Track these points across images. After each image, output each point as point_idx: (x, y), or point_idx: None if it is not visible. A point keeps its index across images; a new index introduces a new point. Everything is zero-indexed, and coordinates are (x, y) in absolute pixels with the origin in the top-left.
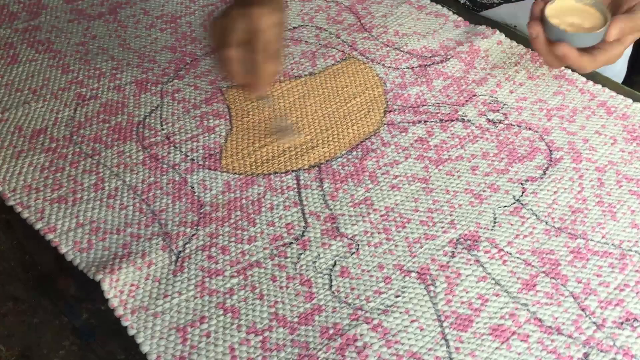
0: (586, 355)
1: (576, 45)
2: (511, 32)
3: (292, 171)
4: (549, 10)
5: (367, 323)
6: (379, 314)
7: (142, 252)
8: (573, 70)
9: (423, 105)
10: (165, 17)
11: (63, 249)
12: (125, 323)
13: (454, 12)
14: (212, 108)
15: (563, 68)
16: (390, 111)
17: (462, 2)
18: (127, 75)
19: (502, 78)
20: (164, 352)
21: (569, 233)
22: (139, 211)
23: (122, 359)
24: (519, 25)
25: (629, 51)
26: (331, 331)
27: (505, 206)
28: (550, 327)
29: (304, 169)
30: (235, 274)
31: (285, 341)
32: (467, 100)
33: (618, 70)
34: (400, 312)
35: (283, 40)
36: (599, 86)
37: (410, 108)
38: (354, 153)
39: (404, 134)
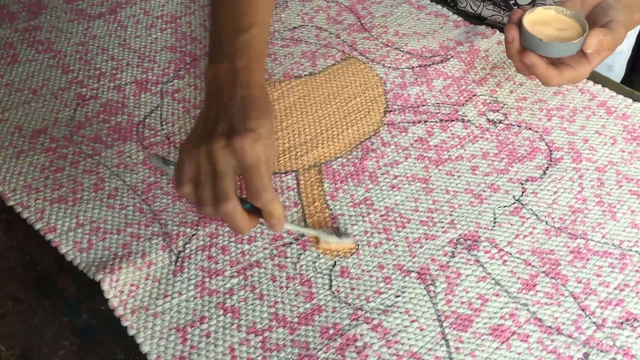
0: (586, 355)
1: (551, 55)
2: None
3: (292, 171)
4: (528, 18)
5: (367, 323)
6: (379, 314)
7: (142, 252)
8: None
9: (423, 105)
10: (165, 17)
11: (63, 249)
12: (125, 323)
13: (454, 12)
14: None
15: None
16: (390, 111)
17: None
18: (127, 75)
19: (502, 78)
20: (164, 352)
21: (569, 233)
22: (139, 211)
23: (122, 359)
24: None
25: (628, 52)
26: (331, 331)
27: (505, 206)
28: (550, 327)
29: (304, 169)
30: (235, 274)
31: (285, 341)
32: (467, 100)
33: (617, 72)
34: (400, 312)
35: (277, 154)
36: (599, 86)
37: (410, 108)
38: (354, 153)
39: (404, 134)
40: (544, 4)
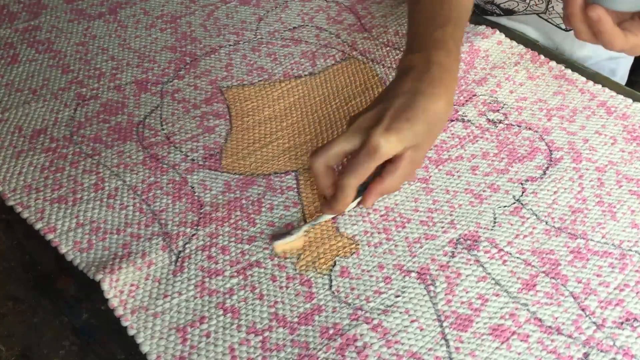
0: (586, 355)
1: (619, 8)
2: (511, 32)
3: (292, 171)
4: None
5: (367, 323)
6: (379, 314)
7: (142, 252)
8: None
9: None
10: (165, 17)
11: (63, 249)
12: (125, 323)
13: None
14: (212, 108)
15: (563, 68)
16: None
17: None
18: (127, 75)
19: (502, 78)
20: (164, 352)
21: (569, 233)
22: (139, 211)
23: (122, 359)
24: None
25: (632, 57)
26: (331, 331)
27: (505, 206)
28: (550, 327)
29: (304, 169)
30: (235, 274)
31: (285, 341)
32: (467, 100)
33: (620, 76)
34: (400, 312)
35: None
36: (599, 86)
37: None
38: None
39: None
40: None
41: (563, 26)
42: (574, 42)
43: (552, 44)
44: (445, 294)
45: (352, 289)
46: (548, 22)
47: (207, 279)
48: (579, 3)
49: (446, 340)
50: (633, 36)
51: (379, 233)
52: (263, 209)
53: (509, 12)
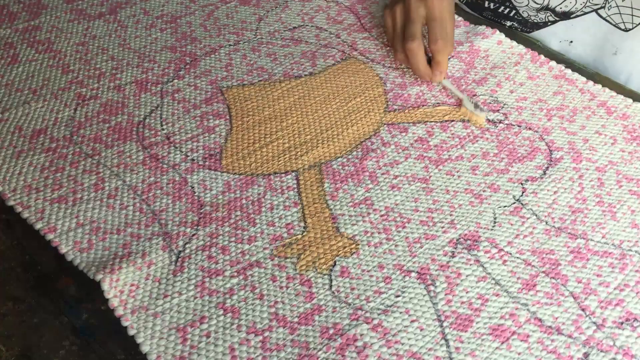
0: (586, 355)
1: None
2: (511, 32)
3: (292, 171)
4: None
5: (367, 323)
6: (379, 314)
7: (142, 252)
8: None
9: (423, 105)
10: (165, 17)
11: (63, 249)
12: (125, 323)
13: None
14: (212, 108)
15: (563, 68)
16: (390, 111)
17: (508, 25)
18: (127, 75)
19: (502, 78)
20: (164, 352)
21: (569, 233)
22: (139, 211)
23: (122, 359)
24: (575, 40)
25: None
26: (331, 331)
27: (505, 206)
28: (550, 327)
29: (304, 169)
30: (235, 274)
31: (285, 341)
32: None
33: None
34: (400, 312)
35: (454, 18)
36: (599, 86)
37: (411, 108)
38: (354, 153)
39: (404, 134)
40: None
41: (622, 25)
42: (634, 42)
43: (611, 47)
44: (445, 294)
45: (352, 289)
46: (606, 21)
47: (207, 279)
48: (397, 33)
49: (446, 340)
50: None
51: (379, 233)
52: (263, 209)
53: (565, 16)
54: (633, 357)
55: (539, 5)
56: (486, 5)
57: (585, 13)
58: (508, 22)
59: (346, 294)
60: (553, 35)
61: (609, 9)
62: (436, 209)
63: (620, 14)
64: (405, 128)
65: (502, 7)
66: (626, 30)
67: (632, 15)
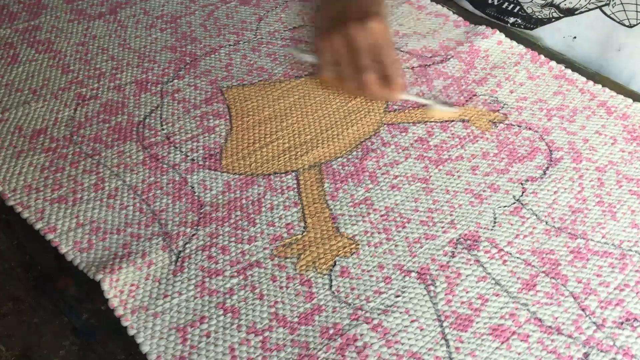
0: (586, 355)
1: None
2: (511, 32)
3: (292, 171)
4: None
5: (367, 323)
6: (379, 314)
7: (142, 252)
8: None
9: (423, 105)
10: (165, 17)
11: (63, 249)
12: (125, 323)
13: (454, 12)
14: (212, 108)
15: (563, 68)
16: (390, 111)
17: (511, 22)
18: (127, 75)
19: (502, 78)
20: (164, 352)
21: (569, 233)
22: (139, 211)
23: (122, 359)
24: (579, 36)
25: None
26: (331, 331)
27: (505, 206)
28: (550, 327)
29: (304, 169)
30: (235, 274)
31: (285, 341)
32: (467, 100)
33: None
34: (400, 312)
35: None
36: (599, 86)
37: (411, 108)
38: (354, 153)
39: (404, 134)
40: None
41: (627, 22)
42: (639, 38)
43: (615, 44)
44: (445, 294)
45: (352, 289)
46: (611, 18)
47: (207, 279)
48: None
49: (446, 340)
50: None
51: (379, 233)
52: (263, 209)
53: (569, 12)
54: (633, 357)
55: (543, 2)
56: (490, 1)
57: (590, 10)
58: (512, 18)
59: (346, 294)
60: (557, 31)
61: (613, 6)
62: (436, 209)
63: (624, 10)
64: (405, 128)
65: (507, 3)
66: (630, 26)
67: (637, 11)
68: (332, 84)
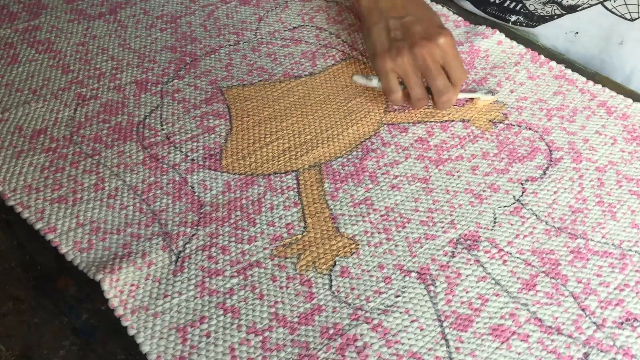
0: (586, 355)
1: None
2: (511, 32)
3: (292, 171)
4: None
5: (367, 323)
6: (379, 314)
7: (142, 252)
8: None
9: (471, 99)
10: (165, 17)
11: (63, 249)
12: (125, 323)
13: (454, 12)
14: (212, 108)
15: (563, 68)
16: (390, 111)
17: (513, 19)
18: (127, 75)
19: (502, 78)
20: (164, 352)
21: (569, 233)
22: (139, 211)
23: (122, 359)
24: (581, 32)
25: None
26: (331, 331)
27: (505, 206)
28: (550, 327)
29: (304, 169)
30: (235, 274)
31: (285, 341)
32: (467, 100)
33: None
34: (400, 312)
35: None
36: (599, 86)
37: (411, 108)
38: (354, 153)
39: (404, 134)
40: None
41: (628, 15)
42: None
43: (617, 38)
44: (445, 294)
45: (352, 289)
46: (612, 12)
47: (207, 279)
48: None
49: (446, 340)
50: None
51: (379, 233)
52: (263, 209)
53: (571, 9)
54: (633, 357)
55: None
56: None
57: (592, 5)
58: (513, 16)
59: (346, 294)
60: (559, 28)
61: (614, 1)
62: (436, 209)
63: (626, 4)
64: (405, 128)
65: (508, 1)
66: (632, 20)
67: (638, 5)
68: (400, 103)
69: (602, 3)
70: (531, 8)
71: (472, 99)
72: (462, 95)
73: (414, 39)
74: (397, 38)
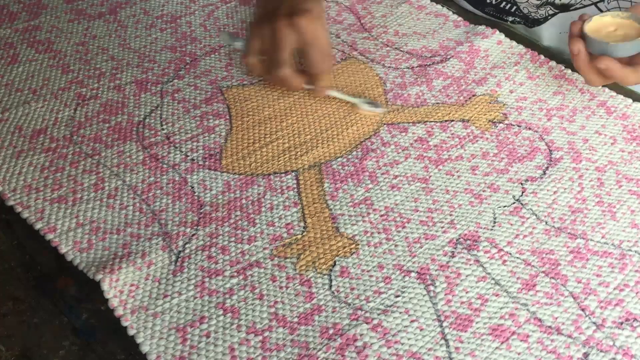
0: (586, 355)
1: (618, 56)
2: (511, 32)
3: (292, 171)
4: (588, 27)
5: (367, 323)
6: (378, 314)
7: (142, 252)
8: (615, 87)
9: (423, 105)
10: (165, 17)
11: (63, 249)
12: (125, 323)
13: (453, 12)
14: (212, 108)
15: (563, 68)
16: (390, 111)
17: (510, 20)
18: (127, 75)
19: (502, 78)
20: (164, 352)
21: (568, 233)
22: (139, 211)
23: (122, 359)
24: None
25: None
26: (331, 331)
27: (505, 206)
28: (550, 327)
29: (304, 169)
30: (235, 274)
31: (285, 341)
32: (467, 100)
33: None
34: (400, 312)
35: (329, 34)
36: (600, 86)
37: (410, 108)
38: (354, 153)
39: (403, 133)
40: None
41: None
42: None
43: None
44: (445, 294)
45: (352, 289)
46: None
47: (207, 279)
48: (584, 58)
49: (446, 340)
50: None
51: (379, 233)
52: (263, 209)
53: (564, 8)
54: (633, 357)
55: (539, 2)
56: (488, 0)
57: (585, 6)
58: (510, 17)
59: (346, 294)
60: (552, 27)
61: (608, 3)
62: (436, 209)
63: (619, 7)
64: (405, 128)
65: (504, 3)
66: None
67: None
68: (255, 72)
69: (595, 4)
70: (525, 11)
71: (352, 104)
72: (339, 96)
73: (278, 16)
74: (270, 14)
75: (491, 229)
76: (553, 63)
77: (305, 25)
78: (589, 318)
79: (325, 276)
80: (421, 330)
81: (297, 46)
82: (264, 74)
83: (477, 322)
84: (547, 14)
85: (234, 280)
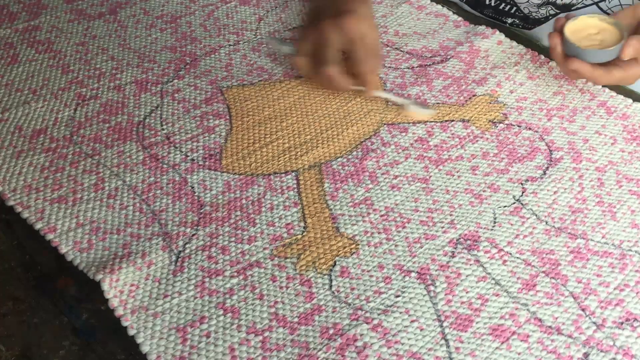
0: (586, 355)
1: (590, 61)
2: (511, 32)
3: (292, 171)
4: (570, 26)
5: (367, 323)
6: (379, 314)
7: (142, 252)
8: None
9: (399, 105)
10: (165, 17)
11: (63, 249)
12: (125, 323)
13: (454, 12)
14: (212, 108)
15: None
16: (390, 111)
17: (509, 22)
18: (127, 75)
19: (502, 78)
20: (164, 352)
21: (569, 233)
22: (139, 211)
23: (122, 359)
24: None
25: None
26: (331, 331)
27: (505, 206)
28: (550, 327)
29: (304, 169)
30: (235, 274)
31: (285, 341)
32: (467, 100)
33: None
34: (400, 312)
35: (377, 35)
36: (599, 86)
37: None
38: (354, 153)
39: (404, 134)
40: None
41: None
42: None
43: None
44: (445, 294)
45: (352, 289)
46: (607, 13)
47: (207, 279)
48: (559, 54)
49: (446, 340)
50: (618, 70)
51: (379, 233)
52: (263, 209)
53: (566, 8)
54: (633, 357)
55: (540, 1)
56: (487, 2)
57: (586, 5)
58: (509, 19)
59: (346, 294)
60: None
61: (609, 2)
62: (436, 209)
63: (620, 5)
64: (405, 128)
65: (503, 4)
66: None
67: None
68: (303, 72)
69: (597, 4)
70: (525, 11)
71: (401, 105)
72: (388, 97)
73: (324, 18)
74: (318, 17)
75: (491, 229)
76: (553, 63)
77: (349, 25)
78: (589, 318)
79: (326, 276)
80: (421, 330)
81: (343, 46)
82: (312, 74)
83: (477, 322)
84: (548, 14)
85: (234, 280)
